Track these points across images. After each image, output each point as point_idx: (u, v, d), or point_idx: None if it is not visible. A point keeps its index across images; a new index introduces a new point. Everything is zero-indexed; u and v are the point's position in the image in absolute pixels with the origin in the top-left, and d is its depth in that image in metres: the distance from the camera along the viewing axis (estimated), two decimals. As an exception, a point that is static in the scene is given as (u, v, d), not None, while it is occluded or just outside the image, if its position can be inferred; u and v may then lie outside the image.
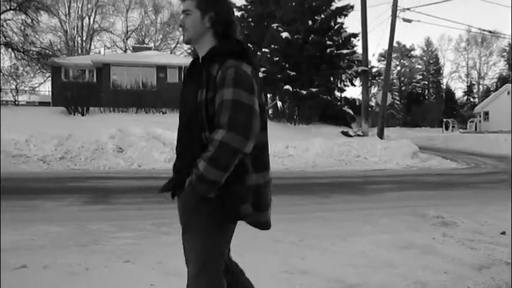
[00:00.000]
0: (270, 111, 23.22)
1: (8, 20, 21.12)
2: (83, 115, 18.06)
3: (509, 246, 4.16)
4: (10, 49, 21.72)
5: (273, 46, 21.10)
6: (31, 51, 22.21)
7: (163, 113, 19.50)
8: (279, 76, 20.89)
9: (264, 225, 1.81)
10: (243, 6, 25.49)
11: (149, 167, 11.60)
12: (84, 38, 41.10)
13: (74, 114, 18.00)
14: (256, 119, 1.64)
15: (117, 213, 5.92)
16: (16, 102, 25.51)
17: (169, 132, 13.67)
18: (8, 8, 20.37)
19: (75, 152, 11.95)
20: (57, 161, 11.46)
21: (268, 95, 25.09)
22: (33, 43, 22.22)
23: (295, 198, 7.48)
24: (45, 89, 28.97)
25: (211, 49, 1.74)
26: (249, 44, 24.01)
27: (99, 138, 12.71)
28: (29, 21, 21.35)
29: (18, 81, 25.73)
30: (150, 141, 13.13)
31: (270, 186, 1.82)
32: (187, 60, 26.22)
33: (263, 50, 21.29)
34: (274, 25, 21.28)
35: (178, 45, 43.05)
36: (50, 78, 25.88)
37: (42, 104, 26.61)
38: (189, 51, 38.53)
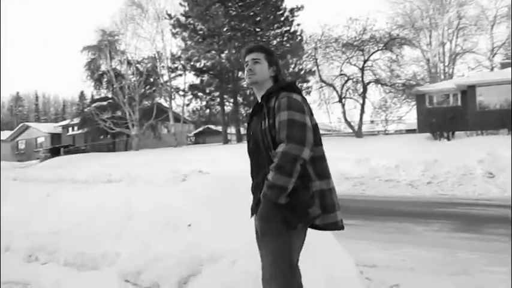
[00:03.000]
0: None
1: (376, 59, 23.84)
2: (448, 140, 17.84)
3: None
4: (379, 85, 24.36)
5: None
6: (396, 84, 24.18)
7: (542, 132, 16.82)
8: None
9: (334, 225, 2.09)
10: None
11: (527, 195, 10.15)
12: (446, 63, 40.79)
13: (440, 140, 18.01)
14: (309, 132, 2.03)
15: (488, 244, 5.45)
16: (386, 132, 27.97)
17: (552, 153, 11.62)
18: (376, 49, 23.00)
19: (442, 177, 11.87)
20: (424, 185, 11.70)
21: None
22: (398, 76, 24.14)
23: None
24: (411, 117, 30.43)
25: (268, 89, 2.23)
26: None
27: (467, 163, 12.17)
28: (394, 57, 23.48)
29: (387, 112, 28.19)
30: (527, 165, 11.50)
31: (334, 191, 2.13)
32: None
33: None
34: None
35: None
36: (414, 106, 27.03)
37: (408, 131, 27.99)
38: None
